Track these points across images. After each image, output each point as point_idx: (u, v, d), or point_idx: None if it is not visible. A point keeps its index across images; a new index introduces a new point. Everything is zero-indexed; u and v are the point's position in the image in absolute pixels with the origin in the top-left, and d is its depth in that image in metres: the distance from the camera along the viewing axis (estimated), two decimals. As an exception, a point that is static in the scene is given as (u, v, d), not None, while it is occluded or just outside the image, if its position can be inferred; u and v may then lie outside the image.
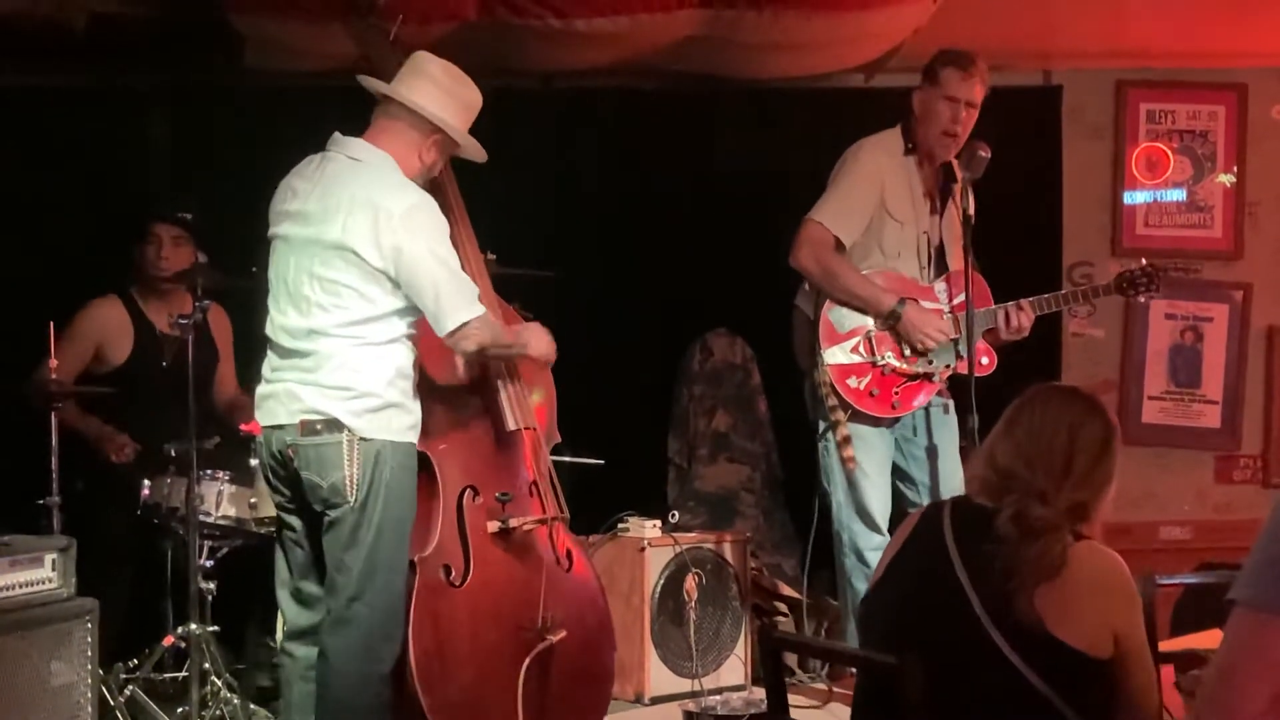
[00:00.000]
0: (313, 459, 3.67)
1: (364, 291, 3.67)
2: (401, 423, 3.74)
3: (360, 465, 3.64)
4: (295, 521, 3.82)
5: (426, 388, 3.92)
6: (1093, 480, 2.81)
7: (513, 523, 4.10)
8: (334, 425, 3.65)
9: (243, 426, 4.66)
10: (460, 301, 3.70)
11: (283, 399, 3.73)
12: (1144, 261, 4.94)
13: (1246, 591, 1.97)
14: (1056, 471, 2.79)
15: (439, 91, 3.83)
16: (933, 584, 2.74)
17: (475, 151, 4.00)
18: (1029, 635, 2.62)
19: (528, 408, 4.23)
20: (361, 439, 3.65)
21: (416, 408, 3.81)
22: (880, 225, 4.80)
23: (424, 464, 3.92)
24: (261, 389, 3.83)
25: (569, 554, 4.28)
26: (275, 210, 3.85)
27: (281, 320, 3.77)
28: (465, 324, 3.70)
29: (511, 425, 4.17)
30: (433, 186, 4.13)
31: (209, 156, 5.59)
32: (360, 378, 3.67)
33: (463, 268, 4.15)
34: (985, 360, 4.77)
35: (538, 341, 4.10)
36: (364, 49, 4.22)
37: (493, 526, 4.08)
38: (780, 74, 5.95)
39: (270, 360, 3.83)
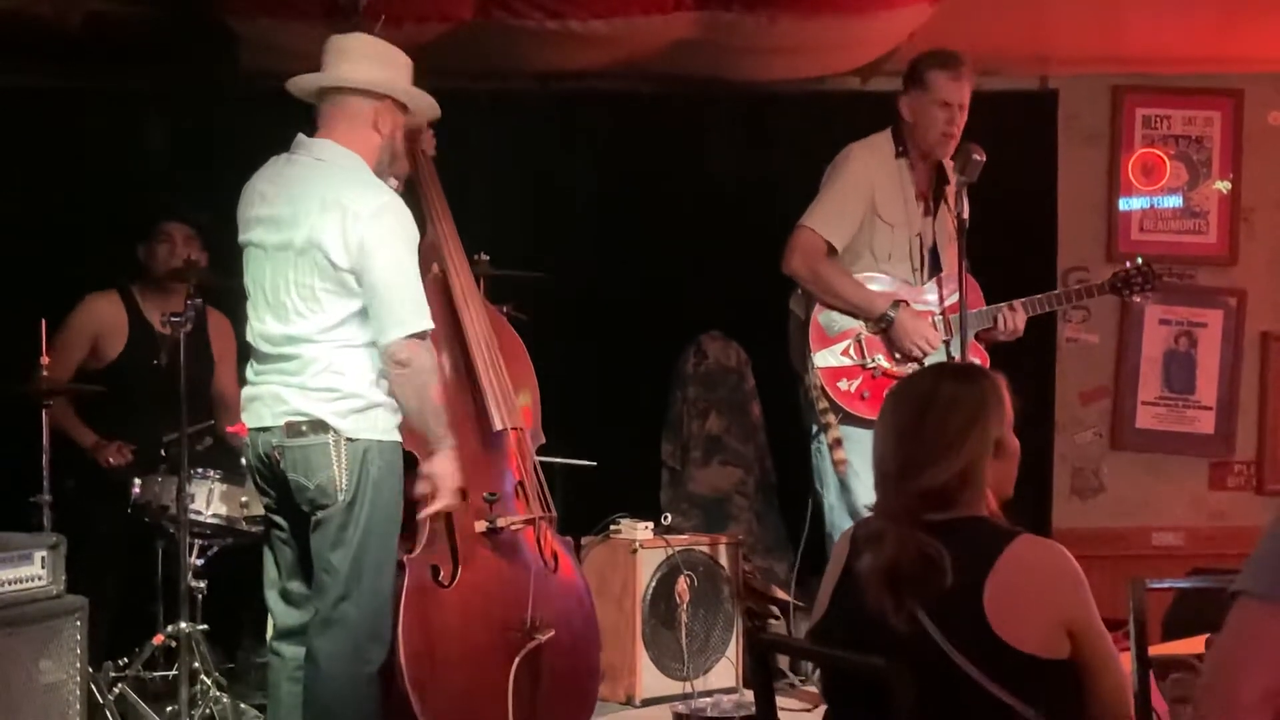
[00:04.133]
0: (299, 460, 3.65)
1: (339, 294, 3.64)
2: (388, 422, 3.72)
3: (347, 466, 3.63)
4: (283, 522, 3.81)
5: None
6: (915, 460, 2.67)
7: (500, 523, 4.10)
8: (319, 426, 3.63)
9: (229, 429, 4.66)
10: (410, 310, 3.65)
11: (268, 401, 3.72)
12: (1139, 260, 4.94)
13: (1250, 582, 1.98)
14: (883, 474, 2.71)
15: (368, 61, 3.79)
16: (878, 610, 2.62)
17: (427, 106, 3.94)
18: (985, 648, 2.53)
19: (514, 408, 4.23)
20: (347, 440, 3.63)
21: (402, 406, 3.80)
22: (871, 229, 4.81)
23: (411, 464, 3.89)
24: (246, 391, 3.82)
25: (554, 555, 4.28)
26: (244, 216, 3.82)
27: (260, 328, 3.76)
28: (404, 338, 3.63)
29: (498, 425, 4.17)
30: (411, 188, 4.14)
31: (205, 156, 5.59)
32: (344, 380, 3.65)
33: (448, 268, 4.16)
34: (977, 361, 4.77)
35: (448, 463, 3.77)
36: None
37: (480, 526, 4.09)
38: (775, 77, 5.95)
39: (253, 364, 3.82)
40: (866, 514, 4.65)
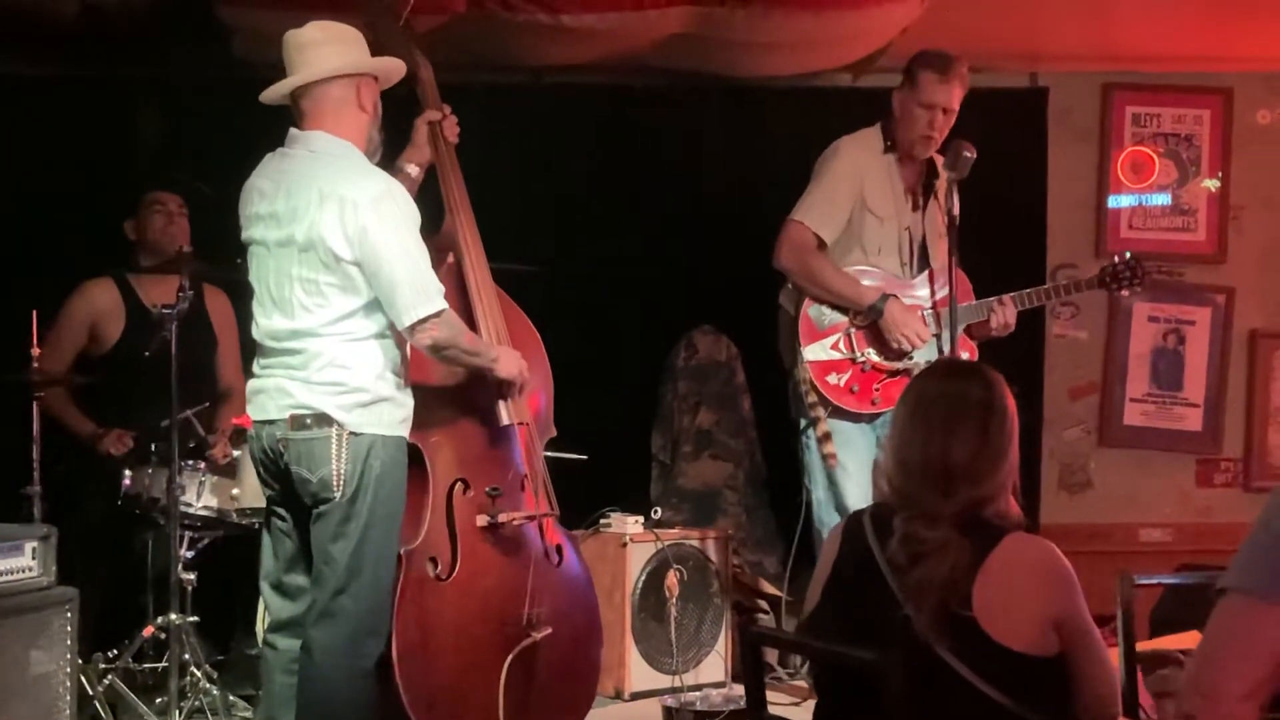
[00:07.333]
0: (303, 453, 3.64)
1: (343, 286, 3.63)
2: (393, 416, 3.72)
3: (350, 460, 3.62)
4: (285, 513, 3.80)
5: (420, 380, 3.90)
6: (977, 470, 2.67)
7: (502, 517, 4.08)
8: (324, 420, 3.62)
9: (234, 420, 4.65)
10: (420, 295, 3.64)
11: (272, 394, 3.71)
12: (1127, 255, 4.96)
13: (1237, 579, 2.02)
14: (935, 479, 2.67)
15: (333, 46, 3.75)
16: (871, 605, 2.65)
17: (394, 70, 3.91)
18: (974, 647, 2.55)
19: (522, 403, 4.21)
20: (352, 433, 3.63)
21: (408, 400, 3.78)
22: (860, 222, 4.83)
23: (415, 456, 3.89)
24: (252, 384, 3.80)
25: (559, 549, 4.27)
26: (245, 215, 3.81)
27: (267, 324, 3.74)
28: (423, 319, 3.64)
29: (505, 420, 4.15)
30: (432, 176, 4.14)
31: (200, 147, 5.57)
32: (350, 374, 3.64)
33: (463, 258, 4.15)
34: (966, 355, 4.79)
35: (508, 362, 4.03)
36: (376, 36, 4.17)
37: (481, 520, 4.07)
38: (768, 72, 5.96)
39: (258, 359, 3.81)
40: (853, 509, 4.72)
